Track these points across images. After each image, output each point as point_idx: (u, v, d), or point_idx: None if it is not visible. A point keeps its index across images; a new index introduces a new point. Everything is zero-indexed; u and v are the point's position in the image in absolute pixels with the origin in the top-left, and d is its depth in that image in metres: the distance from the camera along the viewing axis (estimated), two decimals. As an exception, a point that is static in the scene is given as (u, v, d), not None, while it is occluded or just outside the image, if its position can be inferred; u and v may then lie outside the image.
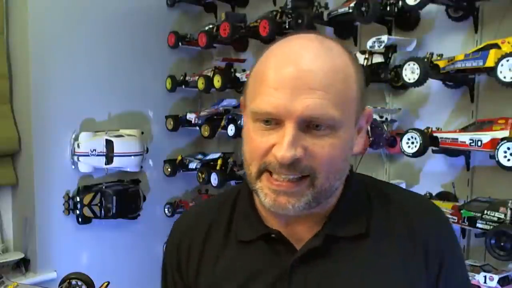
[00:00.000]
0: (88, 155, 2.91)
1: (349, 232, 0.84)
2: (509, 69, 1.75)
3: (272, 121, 0.77)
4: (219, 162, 3.05)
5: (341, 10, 2.35)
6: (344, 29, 2.58)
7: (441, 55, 2.05)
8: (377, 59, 2.25)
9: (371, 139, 2.26)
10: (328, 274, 0.83)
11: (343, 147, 0.78)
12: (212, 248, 0.91)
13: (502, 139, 1.80)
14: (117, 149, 2.96)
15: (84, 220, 3.01)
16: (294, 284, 0.83)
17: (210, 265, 0.90)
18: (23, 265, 2.82)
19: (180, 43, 3.28)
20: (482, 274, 1.88)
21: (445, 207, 2.04)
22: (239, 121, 2.85)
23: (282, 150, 0.74)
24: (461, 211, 1.95)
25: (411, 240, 0.85)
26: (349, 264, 0.83)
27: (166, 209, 3.42)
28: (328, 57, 0.77)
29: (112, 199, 3.02)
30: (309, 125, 0.76)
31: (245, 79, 2.89)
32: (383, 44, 2.15)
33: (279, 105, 0.74)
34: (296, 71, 0.75)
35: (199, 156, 3.33)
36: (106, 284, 2.47)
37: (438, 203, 2.08)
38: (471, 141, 1.92)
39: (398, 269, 0.83)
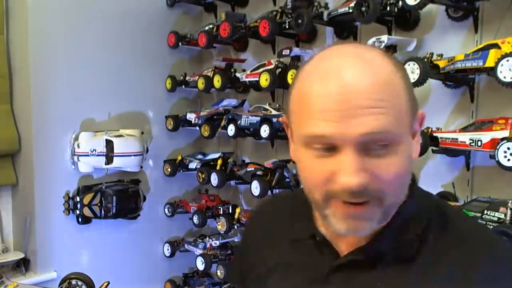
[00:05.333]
0: (88, 155, 2.91)
1: (395, 253, 0.79)
2: (509, 69, 1.75)
3: (326, 146, 0.73)
4: (219, 162, 3.05)
5: (341, 10, 2.35)
6: (344, 29, 2.58)
7: (441, 55, 2.05)
8: (377, 59, 2.24)
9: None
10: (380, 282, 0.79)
11: (406, 160, 0.75)
12: (271, 241, 0.99)
13: (502, 139, 1.80)
14: (117, 149, 2.96)
15: (84, 220, 3.01)
16: None
17: (268, 254, 0.97)
18: (23, 265, 2.83)
19: (180, 43, 3.28)
20: (482, 274, 1.88)
21: (445, 207, 2.04)
22: (239, 121, 2.85)
23: (347, 179, 0.71)
24: (461, 211, 1.95)
25: (463, 279, 0.75)
26: (387, 285, 0.79)
27: (166, 209, 3.42)
28: (372, 71, 0.73)
29: (112, 199, 3.02)
30: (368, 147, 0.72)
31: (245, 79, 2.90)
32: (383, 44, 2.15)
33: (332, 130, 0.71)
34: (343, 92, 0.71)
35: (199, 156, 3.33)
36: (106, 284, 2.48)
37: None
38: (471, 141, 1.91)
39: None
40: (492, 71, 1.81)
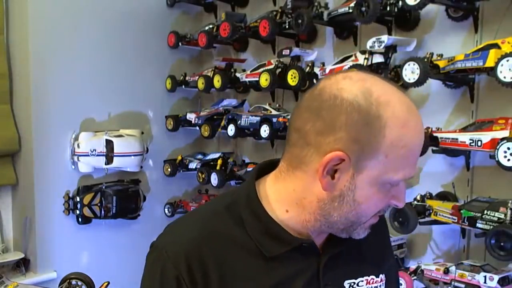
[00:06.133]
0: (88, 155, 2.91)
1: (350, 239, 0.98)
2: (509, 69, 1.75)
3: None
4: (219, 162, 3.05)
5: (341, 10, 2.35)
6: (344, 29, 2.58)
7: (441, 55, 2.05)
8: (377, 59, 2.25)
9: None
10: (349, 264, 0.99)
11: None
12: (235, 267, 0.91)
13: (502, 139, 1.80)
14: (117, 149, 2.96)
15: (84, 220, 3.01)
16: (325, 280, 0.95)
17: (240, 284, 0.91)
18: (23, 265, 2.82)
19: (180, 43, 3.28)
20: (482, 274, 1.88)
21: (445, 207, 2.04)
22: (239, 121, 2.85)
23: (403, 201, 0.92)
24: (461, 211, 1.95)
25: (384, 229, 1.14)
26: (359, 250, 1.00)
27: (166, 209, 3.42)
28: None
29: (112, 199, 3.02)
30: None
31: (245, 79, 2.90)
32: (383, 44, 2.15)
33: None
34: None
35: (199, 156, 3.33)
36: (106, 284, 2.47)
37: (438, 203, 2.08)
38: (471, 141, 1.91)
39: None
40: (492, 71, 1.81)
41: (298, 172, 0.90)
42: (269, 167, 0.99)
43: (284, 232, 0.93)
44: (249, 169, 2.90)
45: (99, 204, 3.00)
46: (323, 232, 0.95)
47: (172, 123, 3.32)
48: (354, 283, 0.99)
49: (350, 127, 0.83)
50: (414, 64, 2.00)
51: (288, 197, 0.92)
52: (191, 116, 3.21)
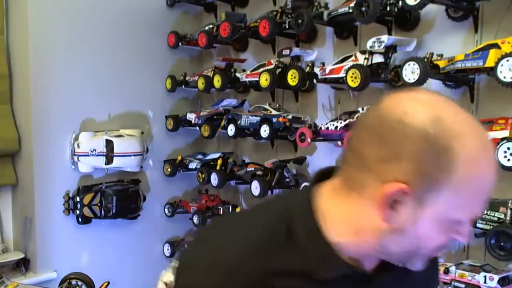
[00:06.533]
0: (88, 155, 2.91)
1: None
2: (509, 69, 1.75)
3: None
4: (219, 162, 3.05)
5: (341, 10, 2.35)
6: (344, 29, 2.58)
7: (441, 55, 2.05)
8: (377, 59, 2.25)
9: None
10: None
11: None
12: None
13: (502, 139, 1.80)
14: (117, 149, 2.96)
15: (84, 220, 3.01)
16: None
17: None
18: (23, 265, 2.83)
19: (180, 43, 3.28)
20: (482, 274, 1.88)
21: (445, 207, 2.04)
22: (239, 121, 2.85)
23: (468, 238, 0.85)
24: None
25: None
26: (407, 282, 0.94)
27: (166, 209, 3.42)
28: None
29: (112, 199, 3.02)
30: None
31: (245, 79, 2.90)
32: (383, 44, 2.15)
33: None
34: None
35: (199, 156, 3.33)
36: (106, 284, 2.48)
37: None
38: (471, 141, 1.91)
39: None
40: (492, 71, 1.81)
41: (353, 194, 0.83)
42: (327, 174, 0.92)
43: (336, 257, 0.86)
44: (250, 169, 2.90)
45: (99, 204, 3.00)
46: (378, 258, 0.90)
47: (172, 123, 3.32)
48: None
49: (415, 157, 0.75)
50: (414, 64, 2.00)
51: (344, 220, 0.85)
52: (191, 116, 3.21)
